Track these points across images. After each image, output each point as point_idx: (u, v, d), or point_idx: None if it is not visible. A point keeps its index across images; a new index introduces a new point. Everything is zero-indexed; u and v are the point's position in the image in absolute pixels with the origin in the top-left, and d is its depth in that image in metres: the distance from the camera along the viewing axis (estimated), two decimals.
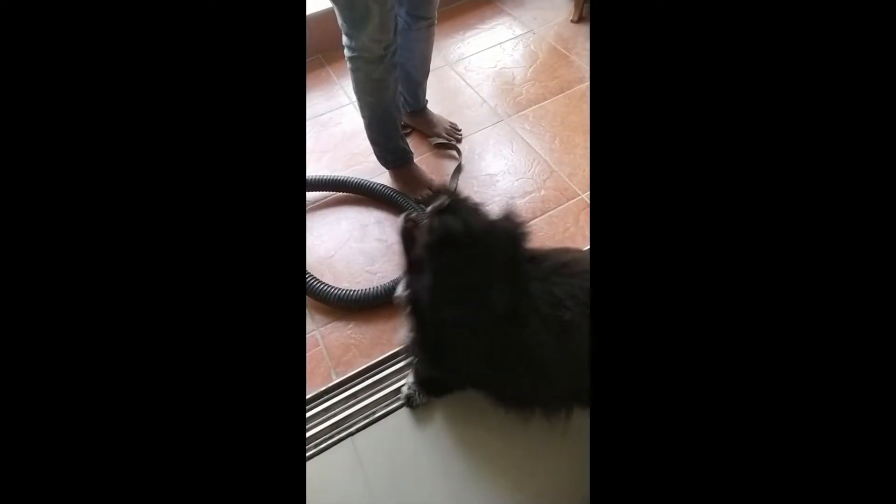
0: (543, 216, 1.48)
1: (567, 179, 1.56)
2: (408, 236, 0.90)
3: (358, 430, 1.12)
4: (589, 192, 1.52)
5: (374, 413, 1.14)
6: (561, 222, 1.46)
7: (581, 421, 1.02)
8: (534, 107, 1.79)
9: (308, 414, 1.15)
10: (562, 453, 1.05)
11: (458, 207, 0.82)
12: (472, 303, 0.83)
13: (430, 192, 1.51)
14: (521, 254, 0.84)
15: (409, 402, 1.14)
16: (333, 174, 1.59)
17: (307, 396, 1.18)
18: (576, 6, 2.07)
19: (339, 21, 1.23)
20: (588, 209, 1.47)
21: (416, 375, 1.11)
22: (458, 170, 1.60)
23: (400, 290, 0.94)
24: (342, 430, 1.12)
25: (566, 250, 0.94)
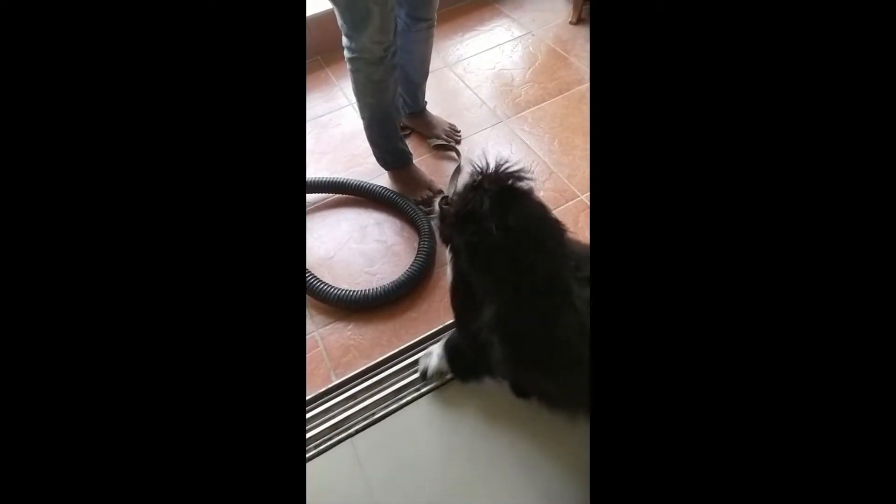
0: None
1: (566, 181, 1.56)
2: (446, 218, 0.92)
3: (358, 432, 1.12)
4: (588, 194, 1.52)
5: (373, 414, 1.14)
6: None
7: (584, 425, 1.03)
8: (533, 108, 1.79)
9: (307, 415, 1.15)
10: (565, 456, 1.05)
11: (487, 185, 0.83)
12: (498, 276, 0.83)
13: (429, 194, 1.52)
14: (550, 234, 0.84)
15: (423, 375, 1.16)
16: (333, 176, 1.59)
17: (307, 398, 1.18)
18: (574, 8, 2.08)
19: (339, 22, 1.23)
20: (587, 210, 1.48)
21: (447, 343, 1.12)
22: (458, 171, 1.61)
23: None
24: (342, 432, 1.12)
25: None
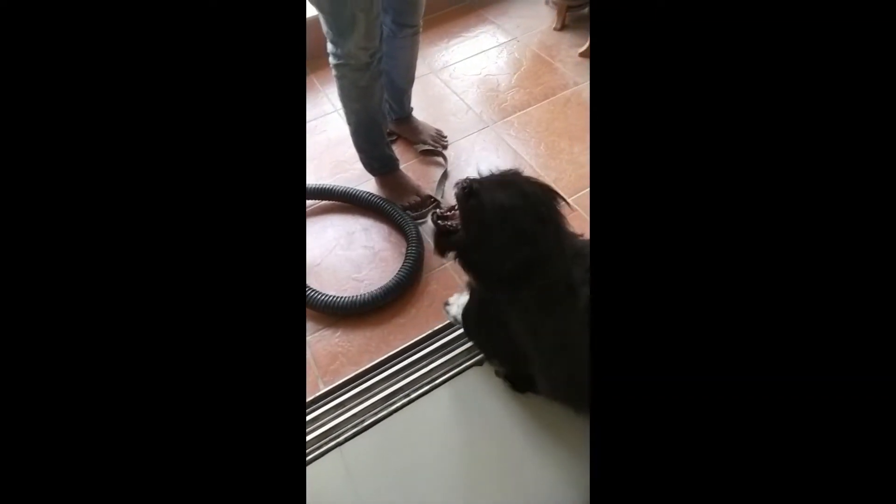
0: None
1: (553, 185, 1.57)
2: (443, 232, 0.96)
3: (346, 440, 1.10)
4: (574, 197, 1.53)
5: (362, 422, 1.13)
6: None
7: (582, 430, 1.02)
8: (518, 113, 1.80)
9: None
10: (562, 462, 1.04)
11: (479, 191, 0.89)
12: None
13: (417, 199, 1.51)
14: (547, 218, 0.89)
15: (445, 304, 1.25)
16: (319, 182, 1.58)
17: None
18: (558, 14, 2.10)
19: (325, 29, 1.22)
20: (573, 214, 1.48)
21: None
22: (445, 176, 1.61)
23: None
24: (330, 440, 1.10)
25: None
